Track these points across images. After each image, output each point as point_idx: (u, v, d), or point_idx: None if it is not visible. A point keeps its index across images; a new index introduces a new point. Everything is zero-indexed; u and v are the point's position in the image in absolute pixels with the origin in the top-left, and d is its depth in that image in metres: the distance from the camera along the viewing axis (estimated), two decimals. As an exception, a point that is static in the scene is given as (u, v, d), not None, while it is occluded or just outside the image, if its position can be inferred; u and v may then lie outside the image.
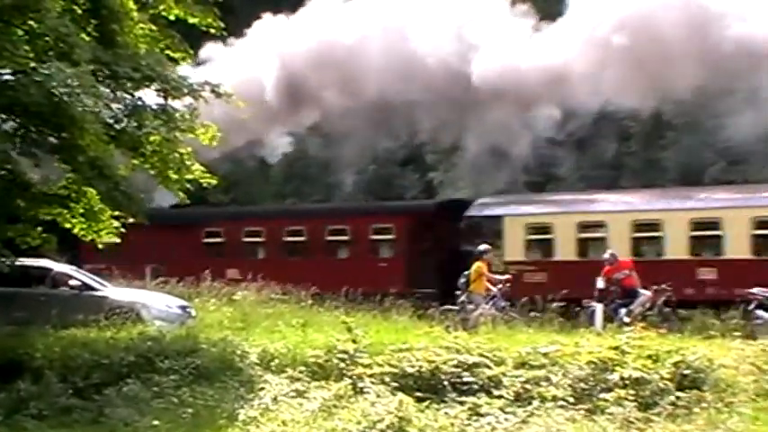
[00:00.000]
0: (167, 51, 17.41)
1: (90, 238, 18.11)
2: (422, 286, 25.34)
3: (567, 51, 30.33)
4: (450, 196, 35.96)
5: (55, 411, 12.62)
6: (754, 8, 27.65)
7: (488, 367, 11.92)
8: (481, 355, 12.18)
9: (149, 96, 16.51)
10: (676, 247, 24.04)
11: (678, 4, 28.14)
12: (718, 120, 34.33)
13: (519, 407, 10.97)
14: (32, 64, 14.07)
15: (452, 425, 10.51)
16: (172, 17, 17.38)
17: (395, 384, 11.88)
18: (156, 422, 11.39)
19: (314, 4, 34.06)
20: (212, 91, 16.45)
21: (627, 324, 16.17)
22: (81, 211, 17.44)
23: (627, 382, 10.86)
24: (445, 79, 36.09)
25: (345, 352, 12.97)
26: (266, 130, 36.69)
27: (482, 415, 10.82)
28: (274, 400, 12.13)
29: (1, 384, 13.31)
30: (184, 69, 17.34)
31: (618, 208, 25.67)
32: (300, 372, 12.90)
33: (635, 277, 20.45)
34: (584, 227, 25.47)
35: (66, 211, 17.53)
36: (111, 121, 15.22)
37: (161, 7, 17.15)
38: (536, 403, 10.96)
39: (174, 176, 16.66)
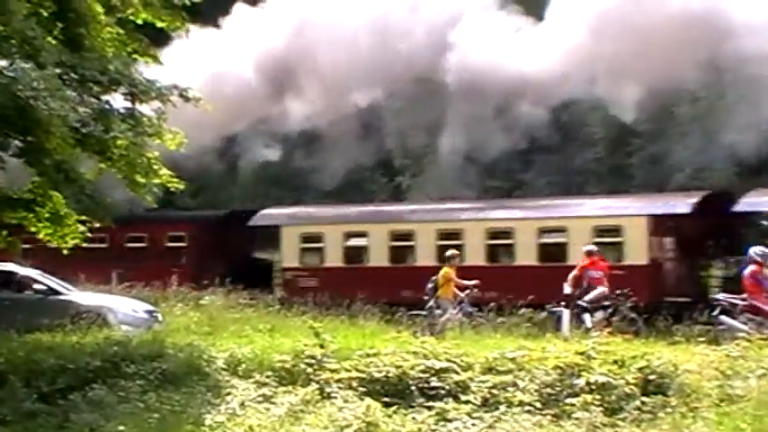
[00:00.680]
0: (135, 55, 17.34)
1: (56, 242, 17.98)
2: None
3: (540, 54, 30.59)
4: (418, 200, 36.09)
5: (19, 416, 12.51)
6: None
7: (456, 372, 11.94)
8: (449, 361, 12.19)
9: (117, 100, 16.44)
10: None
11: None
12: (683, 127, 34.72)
13: (486, 412, 11.00)
14: (-2, 65, 14.00)
15: (420, 430, 10.52)
16: (140, 21, 17.31)
17: (362, 389, 11.88)
18: (121, 427, 11.32)
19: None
20: (180, 95, 16.40)
21: (590, 329, 16.26)
22: (47, 215, 17.33)
23: (593, 387, 10.92)
24: (416, 80, 36.21)
25: (313, 357, 12.96)
26: (239, 128, 36.67)
27: (449, 420, 10.84)
28: (241, 405, 12.09)
29: (-36, 390, 13.19)
30: (152, 72, 17.25)
31: (377, 218, 28.98)
32: (267, 377, 12.87)
33: (605, 282, 20.47)
34: (349, 236, 28.68)
35: (31, 215, 17.40)
36: (78, 124, 15.13)
37: (129, 11, 17.07)
38: (503, 408, 10.99)
39: (142, 180, 16.58)
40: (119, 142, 15.91)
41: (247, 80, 35.18)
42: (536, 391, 11.23)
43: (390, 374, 12.02)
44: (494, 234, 26.92)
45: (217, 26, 34.18)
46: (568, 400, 10.76)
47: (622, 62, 29.11)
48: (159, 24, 17.34)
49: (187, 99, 16.49)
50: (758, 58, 28.02)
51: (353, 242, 28.78)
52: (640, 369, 11.23)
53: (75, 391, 12.87)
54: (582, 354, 11.63)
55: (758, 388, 10.55)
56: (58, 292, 19.96)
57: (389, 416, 10.86)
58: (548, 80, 31.28)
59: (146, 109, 16.58)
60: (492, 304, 20.01)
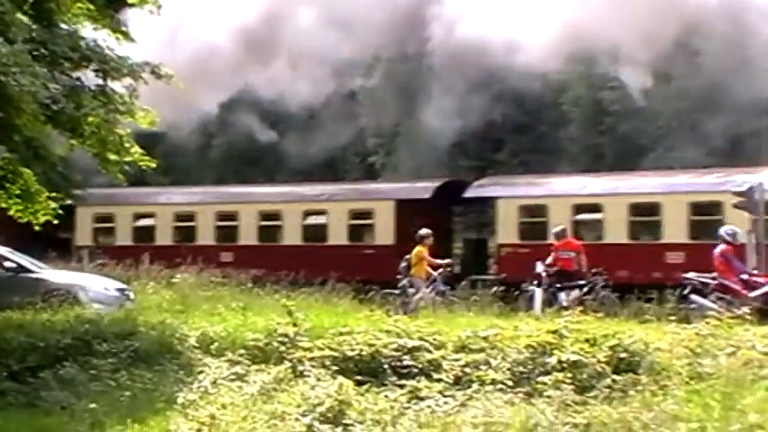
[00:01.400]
0: (106, 31, 17.17)
1: (26, 219, 17.86)
2: None
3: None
4: (391, 180, 36.15)
5: (-11, 394, 12.44)
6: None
7: (428, 351, 11.97)
8: (421, 339, 12.22)
9: (88, 77, 16.30)
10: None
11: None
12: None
13: (458, 390, 11.03)
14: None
15: (392, 408, 10.54)
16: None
17: (335, 368, 11.88)
18: (93, 405, 11.26)
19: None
20: (152, 72, 16.28)
21: (565, 308, 16.34)
22: (17, 191, 17.19)
23: (565, 365, 10.96)
24: (397, 56, 36.09)
25: (286, 335, 12.95)
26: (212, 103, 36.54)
27: (422, 398, 10.87)
28: (213, 383, 12.07)
29: (-67, 368, 13.09)
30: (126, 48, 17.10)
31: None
32: (240, 355, 12.85)
33: (581, 262, 20.56)
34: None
35: (1, 192, 17.26)
36: (49, 101, 14.98)
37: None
38: (475, 386, 11.03)
39: (114, 158, 16.48)
40: (90, 119, 15.79)
41: (222, 52, 35.11)
42: (508, 369, 11.28)
43: (363, 353, 12.03)
44: None
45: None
46: (540, 379, 10.81)
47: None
48: (130, 0, 17.16)
49: (159, 76, 16.37)
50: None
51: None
52: (612, 347, 11.29)
53: (45, 369, 12.80)
54: (554, 332, 11.68)
55: (727, 366, 10.64)
56: (28, 270, 19.82)
57: (362, 394, 10.88)
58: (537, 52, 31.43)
59: (117, 86, 16.45)
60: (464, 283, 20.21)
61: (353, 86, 38.72)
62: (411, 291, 20.04)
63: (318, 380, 11.46)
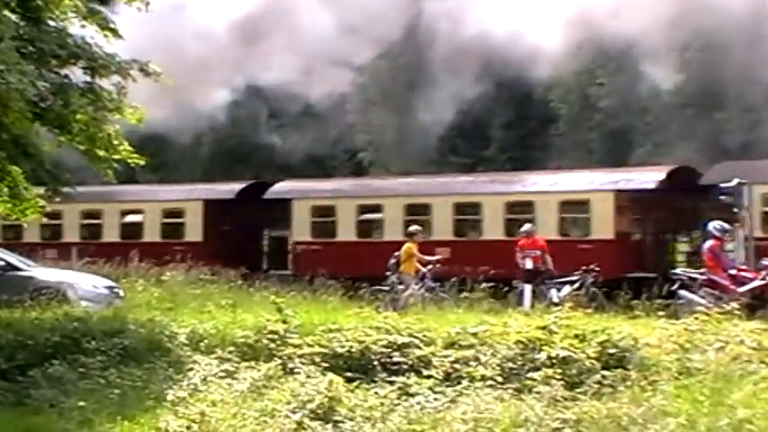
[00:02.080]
0: (94, 28, 17.11)
1: (15, 216, 17.83)
2: None
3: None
4: (379, 175, 36.25)
5: (-22, 393, 12.40)
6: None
7: (418, 347, 11.98)
8: (411, 336, 12.23)
9: (76, 74, 16.26)
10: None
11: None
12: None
13: (448, 386, 11.04)
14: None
15: (382, 404, 10.54)
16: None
17: (325, 365, 11.88)
18: (82, 403, 11.24)
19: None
20: (141, 69, 16.24)
21: (556, 304, 16.38)
22: (5, 189, 17.15)
23: (554, 361, 10.98)
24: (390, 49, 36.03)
25: (275, 332, 12.94)
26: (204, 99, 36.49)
27: (411, 395, 10.87)
28: (203, 380, 12.05)
29: None
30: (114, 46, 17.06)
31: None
32: (230, 352, 12.83)
33: (547, 260, 20.81)
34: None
35: (-10, 190, 17.22)
36: (37, 98, 14.93)
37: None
38: (465, 383, 11.04)
39: (103, 155, 16.44)
40: (78, 117, 15.75)
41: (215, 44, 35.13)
42: (498, 365, 11.29)
43: (353, 350, 12.03)
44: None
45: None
46: (530, 375, 10.83)
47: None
48: (117, -2, 17.12)
49: (147, 73, 16.33)
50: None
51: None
52: (601, 343, 11.32)
53: (34, 367, 12.74)
54: (543, 328, 11.70)
55: (716, 361, 10.68)
56: (17, 268, 19.77)
57: (352, 391, 10.89)
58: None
59: (106, 83, 16.41)
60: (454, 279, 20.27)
61: (346, 81, 38.69)
62: (400, 287, 20.04)
63: (308, 377, 11.46)
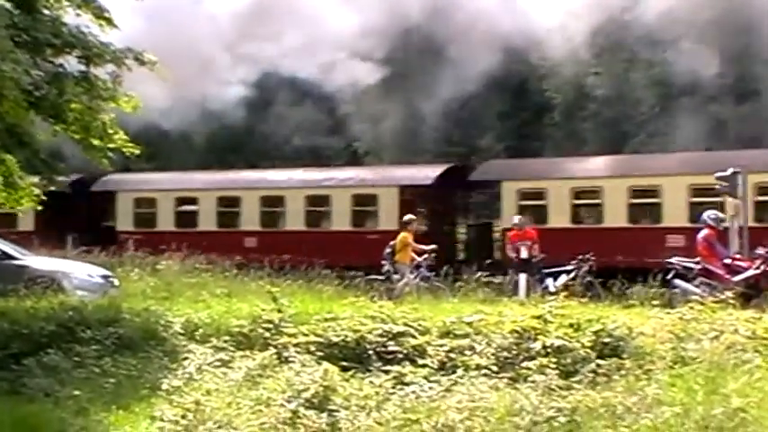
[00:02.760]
0: (88, 17, 17.06)
1: (10, 206, 17.80)
2: None
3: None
4: (374, 164, 36.28)
5: (-28, 382, 12.39)
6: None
7: (413, 336, 11.99)
8: (406, 325, 12.23)
9: (71, 63, 16.23)
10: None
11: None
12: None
13: (443, 375, 11.04)
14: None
15: (377, 393, 10.54)
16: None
17: (320, 354, 11.88)
18: (77, 392, 11.24)
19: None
20: (136, 58, 16.20)
21: (552, 293, 16.42)
22: (0, 178, 17.13)
23: (549, 350, 10.99)
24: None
25: (270, 321, 12.94)
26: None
27: (407, 384, 10.87)
28: (198, 369, 12.05)
29: None
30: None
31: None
32: (225, 341, 12.84)
33: (535, 250, 20.98)
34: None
35: (-16, 179, 17.19)
36: (31, 87, 14.89)
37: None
38: (460, 372, 11.04)
39: (98, 144, 16.42)
40: (73, 105, 15.73)
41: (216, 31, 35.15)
42: (493, 354, 11.30)
43: (348, 339, 12.04)
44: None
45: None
46: (525, 364, 10.83)
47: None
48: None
49: (143, 63, 16.29)
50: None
51: None
52: (596, 332, 11.33)
53: (29, 356, 12.74)
54: (538, 318, 11.71)
55: (711, 350, 10.70)
56: (12, 257, 19.75)
57: (347, 380, 10.88)
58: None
59: (101, 72, 16.37)
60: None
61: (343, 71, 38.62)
62: (396, 277, 20.05)
63: (303, 366, 11.45)
